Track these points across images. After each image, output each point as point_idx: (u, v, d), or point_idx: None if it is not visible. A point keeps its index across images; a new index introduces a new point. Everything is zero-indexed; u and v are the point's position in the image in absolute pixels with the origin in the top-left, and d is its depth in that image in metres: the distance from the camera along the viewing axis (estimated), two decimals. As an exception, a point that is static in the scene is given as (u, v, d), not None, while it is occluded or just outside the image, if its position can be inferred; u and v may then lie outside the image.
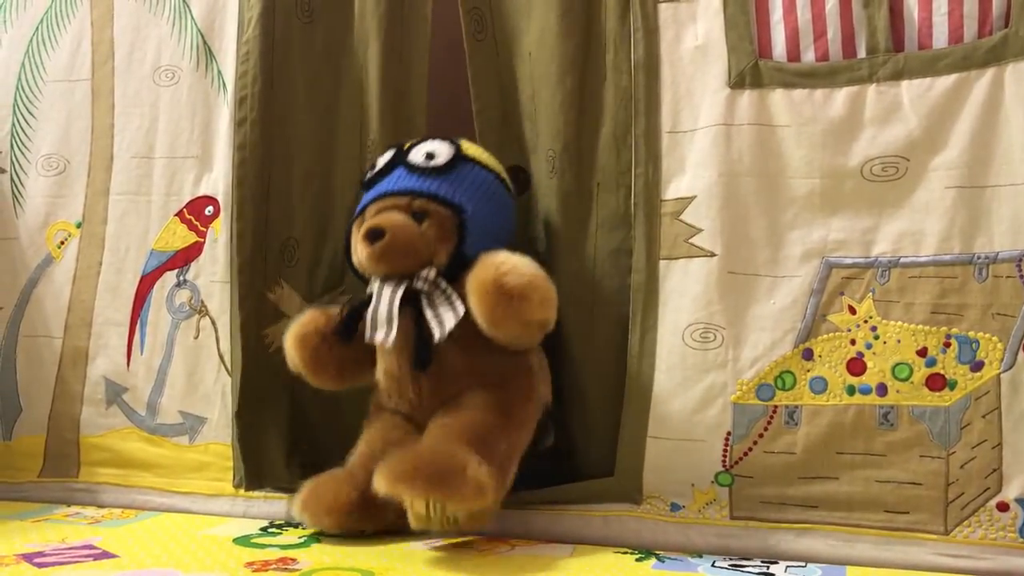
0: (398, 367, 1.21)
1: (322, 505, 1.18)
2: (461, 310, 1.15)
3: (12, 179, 1.51)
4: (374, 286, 1.21)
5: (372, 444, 1.24)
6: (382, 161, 1.25)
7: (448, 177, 1.21)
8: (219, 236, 1.40)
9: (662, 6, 1.22)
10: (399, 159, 1.23)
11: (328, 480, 1.21)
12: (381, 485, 1.07)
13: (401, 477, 1.06)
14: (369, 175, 1.26)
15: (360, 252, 1.19)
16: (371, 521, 1.18)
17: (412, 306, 1.18)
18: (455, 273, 1.18)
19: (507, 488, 1.15)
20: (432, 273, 1.18)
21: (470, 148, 1.25)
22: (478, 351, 1.17)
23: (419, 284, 1.18)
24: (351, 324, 1.21)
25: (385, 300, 1.18)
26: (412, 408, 1.24)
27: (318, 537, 1.20)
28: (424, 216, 1.19)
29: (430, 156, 1.22)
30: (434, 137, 1.25)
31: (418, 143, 1.24)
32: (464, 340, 1.16)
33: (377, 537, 1.19)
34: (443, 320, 1.15)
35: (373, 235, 1.17)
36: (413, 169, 1.21)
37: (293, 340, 1.24)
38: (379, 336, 1.17)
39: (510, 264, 1.13)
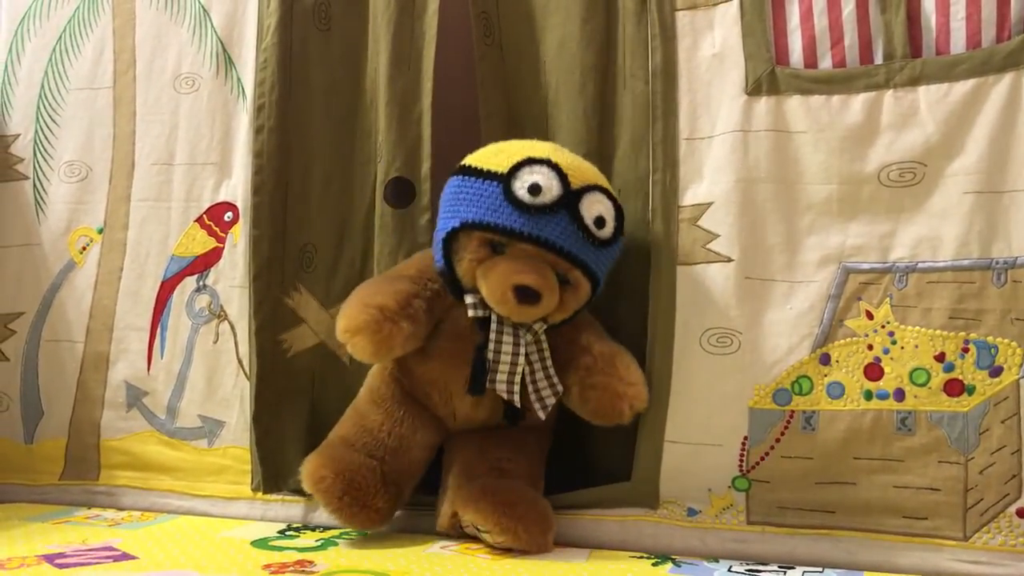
0: (462, 390, 1.21)
1: (366, 513, 1.17)
2: (560, 391, 1.19)
3: (35, 185, 1.53)
4: (484, 313, 1.17)
5: (399, 437, 1.23)
6: (547, 192, 1.11)
7: (606, 252, 1.17)
8: (238, 242, 1.41)
9: (679, 14, 1.23)
10: (568, 203, 1.12)
11: (363, 483, 1.17)
12: (486, 526, 1.13)
13: (512, 529, 1.12)
14: (528, 200, 1.11)
15: (501, 299, 1.13)
16: (393, 515, 1.23)
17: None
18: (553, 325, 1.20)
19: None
20: (542, 329, 1.19)
21: (625, 217, 1.19)
22: None
23: (528, 337, 1.18)
24: (482, 379, 1.18)
25: (507, 351, 1.17)
26: (447, 417, 1.26)
27: (335, 540, 1.21)
28: (569, 284, 1.15)
29: (601, 223, 1.14)
30: (601, 187, 1.16)
31: (588, 190, 1.14)
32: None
33: (393, 538, 1.20)
34: (543, 396, 1.19)
35: (529, 296, 1.11)
36: (584, 232, 1.13)
37: (375, 339, 1.14)
38: (502, 391, 1.18)
39: (640, 381, 1.17)
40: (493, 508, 1.13)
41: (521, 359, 1.17)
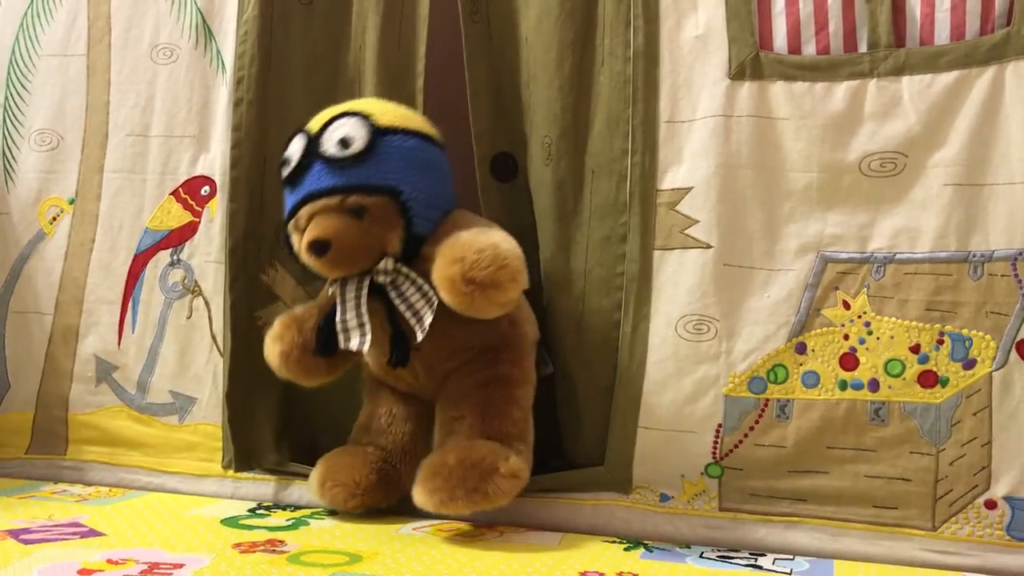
0: (385, 359, 1.21)
1: (345, 489, 1.20)
2: (435, 300, 1.14)
3: (4, 153, 1.50)
4: (334, 287, 1.19)
5: (379, 418, 1.26)
6: (295, 154, 1.18)
7: (372, 161, 1.14)
8: (215, 216, 1.39)
9: (663, -6, 1.22)
10: (313, 152, 1.16)
11: (344, 461, 1.22)
12: (427, 507, 1.11)
13: (444, 501, 1.09)
14: (286, 172, 1.19)
15: (309, 263, 1.17)
16: (388, 496, 1.23)
17: (379, 298, 1.17)
18: (413, 252, 1.17)
19: (531, 444, 1.19)
20: (390, 263, 1.16)
21: (384, 115, 1.18)
22: (458, 326, 1.16)
23: (381, 278, 1.16)
24: (329, 340, 1.18)
25: (351, 305, 1.16)
26: (411, 387, 1.25)
27: (306, 520, 1.20)
28: (362, 211, 1.14)
29: (345, 143, 1.14)
30: (338, 114, 1.18)
31: (326, 125, 1.17)
32: (446, 316, 1.14)
33: (365, 519, 1.20)
34: (421, 316, 1.14)
35: (318, 248, 1.13)
36: (331, 162, 1.14)
37: (278, 361, 1.21)
38: (354, 344, 1.16)
39: (472, 251, 1.09)
40: (422, 485, 1.11)
41: (363, 305, 1.16)
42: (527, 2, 1.31)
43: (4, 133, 1.50)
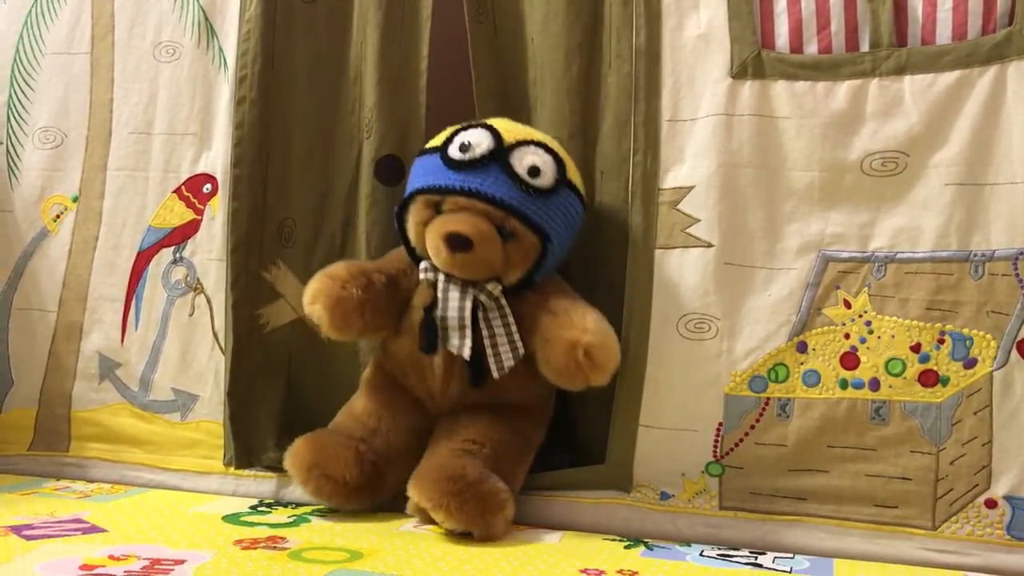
0: (433, 363, 1.21)
1: (332, 483, 1.18)
2: (521, 352, 1.17)
3: (8, 151, 1.50)
4: (431, 276, 1.19)
5: (379, 418, 1.25)
6: (478, 147, 1.17)
7: (547, 203, 1.16)
8: (217, 214, 1.39)
9: (665, -7, 1.22)
10: (500, 157, 1.16)
11: (336, 453, 1.19)
12: (424, 503, 1.11)
13: (449, 508, 1.09)
14: (458, 156, 1.17)
15: (436, 251, 1.16)
16: (369, 500, 1.21)
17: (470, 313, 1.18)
18: (514, 289, 1.19)
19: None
20: (498, 290, 1.18)
21: (570, 166, 1.21)
22: (513, 376, 1.19)
23: (483, 298, 1.17)
24: (434, 336, 1.18)
25: (454, 307, 1.17)
26: (426, 397, 1.25)
27: (307, 517, 1.20)
28: (511, 236, 1.16)
29: (535, 172, 1.16)
30: (536, 141, 1.19)
31: (521, 144, 1.17)
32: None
33: (366, 516, 1.20)
34: (502, 359, 1.17)
35: (458, 243, 1.13)
36: (516, 180, 1.15)
37: (330, 301, 1.18)
38: (452, 346, 1.17)
39: (601, 332, 1.13)
40: (433, 484, 1.11)
41: (467, 313, 1.16)
42: (532, 3, 1.31)
43: (8, 131, 1.50)
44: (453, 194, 1.16)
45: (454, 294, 1.17)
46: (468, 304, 1.16)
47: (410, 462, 1.20)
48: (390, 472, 1.22)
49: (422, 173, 1.20)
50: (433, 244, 1.16)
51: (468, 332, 1.16)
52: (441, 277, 1.18)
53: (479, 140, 1.17)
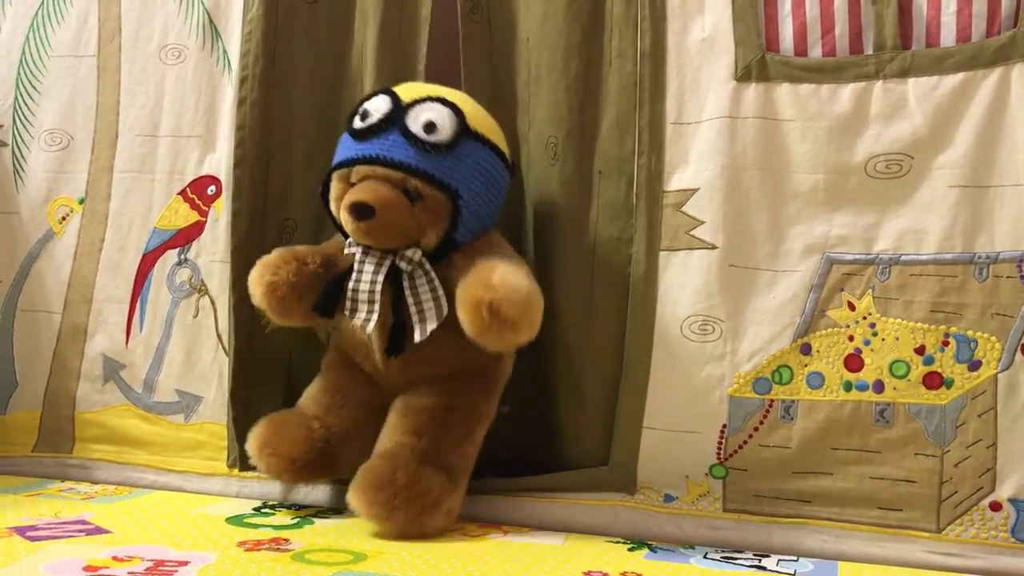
0: (369, 339, 1.21)
1: (281, 461, 1.21)
2: (445, 310, 1.15)
3: (14, 153, 1.51)
4: (354, 250, 1.19)
5: (333, 395, 1.25)
6: (376, 113, 1.17)
7: (448, 156, 1.15)
8: (220, 216, 1.40)
9: (670, -5, 1.22)
10: (396, 120, 1.15)
11: (287, 432, 1.22)
12: (360, 514, 1.11)
13: (381, 517, 1.11)
14: (359, 125, 1.18)
15: (346, 223, 1.16)
16: (321, 476, 1.25)
17: (392, 282, 1.17)
18: (440, 254, 1.18)
19: (470, 477, 1.20)
20: (418, 255, 1.16)
21: (474, 117, 1.19)
22: (452, 342, 1.15)
23: (403, 264, 1.16)
24: (331, 299, 1.19)
25: (367, 279, 1.16)
26: (376, 373, 1.25)
27: (311, 519, 1.21)
28: (418, 197, 1.15)
29: (431, 127, 1.14)
30: (434, 97, 1.17)
31: (418, 102, 1.16)
32: (444, 326, 1.14)
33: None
34: (425, 318, 1.15)
35: (361, 211, 1.13)
36: (412, 139, 1.14)
37: (264, 289, 1.19)
38: (359, 318, 1.17)
39: (508, 287, 1.08)
40: (366, 495, 1.11)
41: (377, 287, 1.15)
42: (528, 2, 1.32)
43: (15, 133, 1.51)
44: (356, 164, 1.16)
45: (368, 267, 1.16)
46: (380, 278, 1.15)
47: (365, 437, 1.21)
48: (344, 448, 1.23)
49: (337, 152, 1.21)
50: (344, 217, 1.16)
51: (375, 307, 1.16)
52: (359, 250, 1.18)
53: (377, 106, 1.17)
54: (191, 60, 1.44)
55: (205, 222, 1.41)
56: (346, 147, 1.19)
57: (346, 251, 1.20)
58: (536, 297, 1.12)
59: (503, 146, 1.22)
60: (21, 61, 1.51)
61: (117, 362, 1.44)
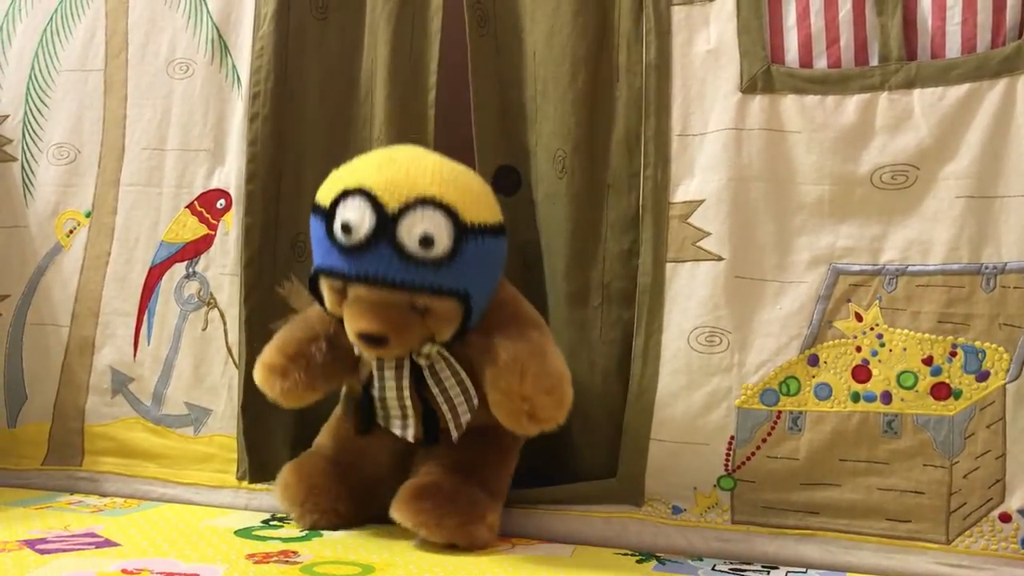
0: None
1: (325, 516, 1.21)
2: (475, 399, 1.14)
3: (23, 167, 1.51)
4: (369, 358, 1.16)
5: (366, 439, 1.22)
6: (360, 228, 1.05)
7: (452, 264, 1.06)
8: (230, 230, 1.40)
9: (675, 8, 1.22)
10: (387, 235, 1.05)
11: (324, 482, 1.22)
12: (407, 524, 1.11)
13: (429, 525, 1.11)
14: (344, 241, 1.06)
15: (355, 344, 1.13)
16: (368, 515, 1.22)
17: (413, 369, 1.14)
18: (455, 338, 1.14)
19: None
20: (435, 349, 1.13)
21: (467, 206, 1.08)
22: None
23: (422, 361, 1.14)
24: (368, 420, 1.17)
25: (391, 385, 1.14)
26: None
27: (319, 531, 1.21)
28: (426, 309, 1.09)
29: (428, 242, 1.05)
30: (423, 199, 1.05)
31: (406, 210, 1.05)
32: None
33: (378, 530, 1.20)
34: (457, 412, 1.14)
35: (375, 341, 1.09)
36: (408, 258, 1.05)
37: (274, 395, 1.18)
38: (395, 428, 1.16)
39: (540, 389, 1.07)
40: (412, 504, 1.12)
41: (406, 394, 1.14)
42: (535, 17, 1.32)
43: (24, 147, 1.51)
44: (352, 282, 1.08)
45: (389, 373, 1.13)
46: (406, 383, 1.13)
47: (398, 478, 1.20)
48: (379, 489, 1.21)
49: (317, 245, 1.12)
50: (352, 338, 1.12)
51: (409, 411, 1.14)
52: (374, 361, 1.15)
53: (359, 218, 1.05)
54: (199, 74, 1.45)
55: (214, 235, 1.42)
56: (331, 255, 1.09)
57: (357, 353, 1.17)
58: (566, 383, 1.10)
59: (499, 216, 1.14)
60: (31, 76, 1.52)
61: (125, 375, 1.45)
